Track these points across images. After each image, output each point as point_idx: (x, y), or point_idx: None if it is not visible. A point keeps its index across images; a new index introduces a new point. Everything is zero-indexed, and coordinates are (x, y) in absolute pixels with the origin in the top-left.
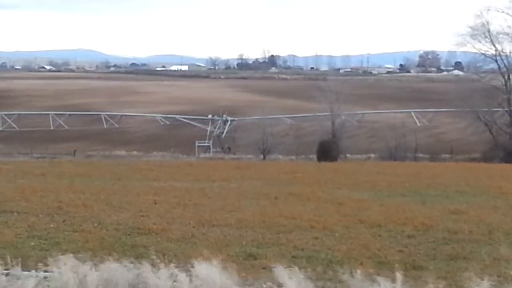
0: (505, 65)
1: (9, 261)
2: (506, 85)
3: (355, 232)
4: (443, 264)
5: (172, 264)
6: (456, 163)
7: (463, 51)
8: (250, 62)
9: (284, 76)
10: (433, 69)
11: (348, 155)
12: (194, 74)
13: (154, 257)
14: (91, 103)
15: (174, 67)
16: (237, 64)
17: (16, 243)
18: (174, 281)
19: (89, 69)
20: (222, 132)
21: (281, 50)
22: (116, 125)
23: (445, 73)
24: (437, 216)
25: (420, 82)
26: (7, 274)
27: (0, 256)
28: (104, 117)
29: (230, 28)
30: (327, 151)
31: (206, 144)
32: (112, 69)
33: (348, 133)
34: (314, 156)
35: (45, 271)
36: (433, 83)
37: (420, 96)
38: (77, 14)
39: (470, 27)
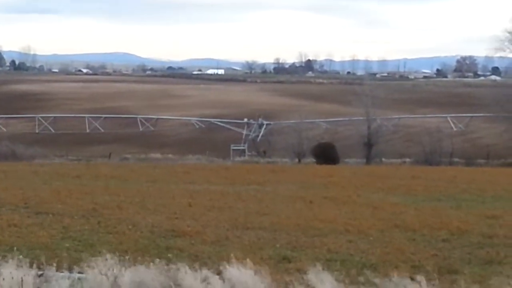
0: None
1: (43, 262)
2: None
3: (389, 236)
4: (478, 269)
5: (205, 267)
6: (492, 168)
7: (500, 56)
8: (287, 66)
9: (320, 80)
10: (470, 74)
11: (383, 159)
12: (231, 78)
13: (188, 259)
14: (127, 106)
15: (210, 71)
16: (274, 68)
17: (50, 245)
18: (208, 283)
19: (126, 72)
20: (258, 136)
21: (318, 54)
22: (152, 128)
23: (482, 78)
24: (472, 221)
25: (457, 87)
26: (41, 275)
27: (35, 257)
28: (140, 120)
29: (267, 32)
30: (325, 155)
31: (242, 148)
32: (148, 72)
33: (383, 137)
34: (350, 160)
35: (79, 273)
36: (470, 88)
37: (457, 101)
38: (113, 19)
39: (509, 32)
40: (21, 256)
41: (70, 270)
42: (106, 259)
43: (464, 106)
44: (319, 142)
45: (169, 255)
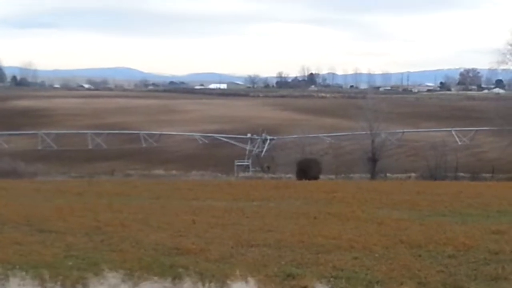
0: None
1: (46, 280)
2: None
3: (395, 252)
4: (484, 285)
5: (210, 285)
6: (497, 182)
7: (504, 69)
8: (289, 80)
9: (323, 94)
10: (474, 87)
11: (388, 174)
12: (233, 93)
13: (192, 278)
14: (130, 122)
15: (212, 86)
16: (276, 82)
17: (53, 263)
18: None
19: (127, 87)
20: (261, 151)
21: (320, 68)
22: (155, 144)
23: (486, 91)
24: (478, 236)
25: (460, 100)
26: None
27: (38, 275)
28: (143, 136)
29: (269, 46)
30: (306, 170)
31: (245, 163)
32: (150, 87)
33: (388, 152)
34: (354, 175)
35: None
36: (474, 101)
37: (461, 115)
38: (114, 33)
39: (510, 45)
40: (24, 274)
41: None
42: (110, 278)
43: (468, 120)
44: (304, 158)
45: (179, 270)
